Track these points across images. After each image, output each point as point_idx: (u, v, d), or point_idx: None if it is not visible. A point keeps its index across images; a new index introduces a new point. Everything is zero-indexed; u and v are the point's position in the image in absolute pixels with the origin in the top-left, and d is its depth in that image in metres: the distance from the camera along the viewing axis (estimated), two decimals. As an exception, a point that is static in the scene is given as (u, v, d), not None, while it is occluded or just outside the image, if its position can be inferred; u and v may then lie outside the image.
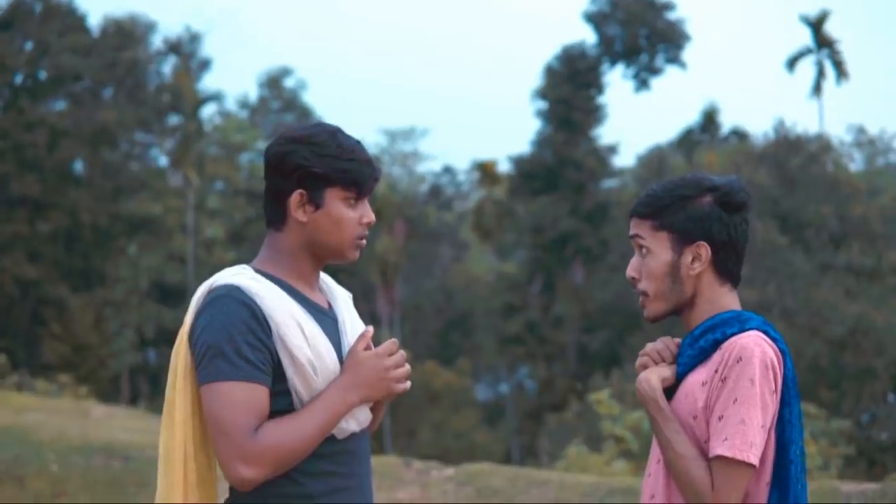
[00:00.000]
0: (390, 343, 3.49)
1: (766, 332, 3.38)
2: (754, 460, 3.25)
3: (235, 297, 3.30)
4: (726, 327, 3.40)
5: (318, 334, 3.37)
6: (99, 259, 53.66)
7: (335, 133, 3.46)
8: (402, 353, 3.49)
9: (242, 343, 3.25)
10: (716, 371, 3.34)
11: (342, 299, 3.63)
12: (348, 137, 3.48)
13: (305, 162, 3.39)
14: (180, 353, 3.39)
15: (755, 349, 3.29)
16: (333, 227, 3.44)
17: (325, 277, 3.65)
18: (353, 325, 3.56)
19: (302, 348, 3.32)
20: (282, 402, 3.32)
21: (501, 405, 57.90)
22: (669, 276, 3.47)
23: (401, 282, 57.10)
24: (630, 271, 3.55)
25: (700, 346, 3.42)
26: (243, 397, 3.23)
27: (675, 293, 3.48)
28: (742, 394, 3.26)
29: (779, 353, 3.36)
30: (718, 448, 3.26)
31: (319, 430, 3.30)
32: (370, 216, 3.51)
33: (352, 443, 3.46)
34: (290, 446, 3.24)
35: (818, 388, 35.33)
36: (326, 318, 3.48)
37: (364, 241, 3.53)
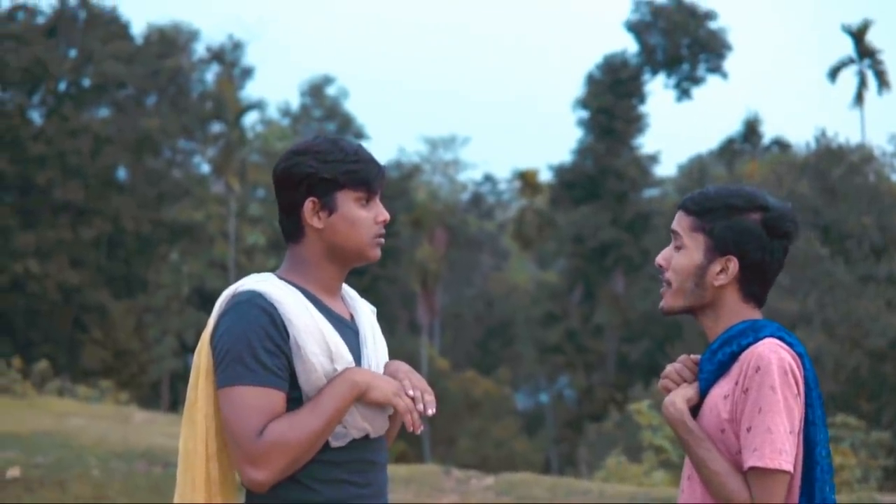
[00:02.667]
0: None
1: (780, 338, 3.40)
2: (787, 466, 3.27)
3: (256, 304, 3.33)
4: (741, 338, 3.41)
5: (339, 343, 3.39)
6: (141, 265, 53.92)
7: (336, 140, 3.51)
8: (430, 395, 3.47)
9: (260, 348, 3.28)
10: (736, 383, 3.36)
11: (365, 313, 3.64)
12: (350, 142, 3.52)
13: (312, 169, 3.44)
14: (202, 354, 3.42)
15: (772, 356, 3.30)
16: (350, 229, 3.47)
17: (348, 290, 3.66)
18: (374, 338, 3.57)
19: (317, 355, 3.34)
20: (296, 408, 3.33)
21: (541, 414, 57.88)
22: (694, 278, 3.48)
23: (441, 290, 57.15)
24: (660, 258, 3.57)
25: (718, 359, 3.44)
26: (257, 402, 3.25)
27: (694, 295, 3.49)
28: (765, 402, 3.28)
29: (796, 357, 3.38)
30: (750, 460, 3.28)
31: (326, 418, 3.29)
32: (384, 214, 3.54)
33: (368, 451, 3.46)
34: (297, 439, 3.24)
35: (858, 399, 35.12)
36: (348, 329, 3.50)
37: (383, 240, 3.55)
